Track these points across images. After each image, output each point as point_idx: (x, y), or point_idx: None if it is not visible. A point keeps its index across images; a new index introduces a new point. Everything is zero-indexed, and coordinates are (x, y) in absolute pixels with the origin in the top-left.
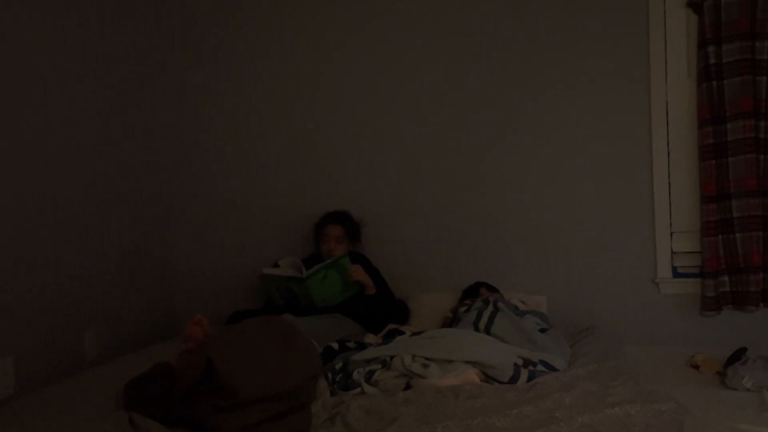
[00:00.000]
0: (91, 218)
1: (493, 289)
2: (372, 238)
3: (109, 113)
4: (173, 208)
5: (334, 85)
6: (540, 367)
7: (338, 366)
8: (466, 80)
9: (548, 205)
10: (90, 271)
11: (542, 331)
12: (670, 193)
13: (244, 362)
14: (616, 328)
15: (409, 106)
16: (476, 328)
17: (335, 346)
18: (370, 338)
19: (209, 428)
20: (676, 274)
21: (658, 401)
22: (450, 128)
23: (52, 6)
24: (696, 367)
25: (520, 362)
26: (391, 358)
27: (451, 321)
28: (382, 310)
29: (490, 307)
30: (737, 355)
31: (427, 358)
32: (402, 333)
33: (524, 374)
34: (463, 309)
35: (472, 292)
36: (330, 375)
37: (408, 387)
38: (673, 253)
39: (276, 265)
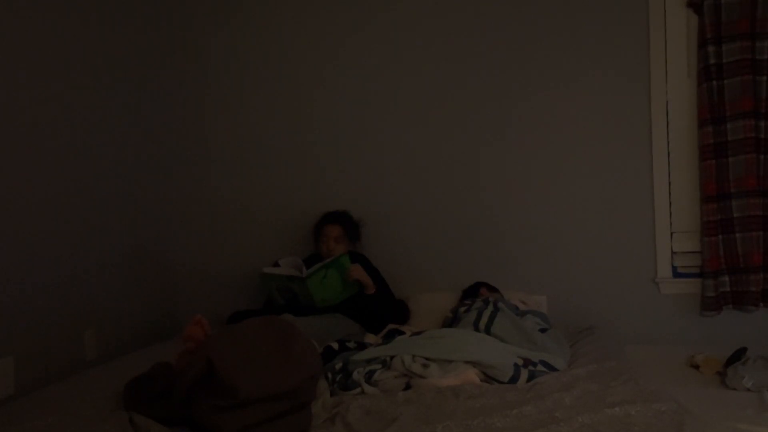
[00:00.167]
0: (91, 218)
1: (493, 289)
2: (372, 238)
3: (109, 113)
4: (173, 208)
5: (334, 85)
6: (540, 367)
7: (338, 366)
8: (466, 80)
9: (548, 205)
10: (90, 271)
11: (542, 331)
12: (670, 193)
13: (244, 362)
14: (616, 328)
15: (409, 106)
16: (476, 328)
17: (335, 346)
18: (370, 338)
19: (209, 428)
20: (676, 274)
21: (658, 401)
22: (450, 128)
23: (53, 6)
24: (696, 367)
25: (520, 362)
26: (391, 358)
27: (451, 321)
28: (382, 309)
29: (490, 307)
30: (737, 355)
31: (427, 358)
32: (402, 333)
33: (524, 374)
34: (463, 309)
35: (472, 292)
36: (330, 375)
37: (408, 387)
38: (673, 253)
39: (276, 265)
